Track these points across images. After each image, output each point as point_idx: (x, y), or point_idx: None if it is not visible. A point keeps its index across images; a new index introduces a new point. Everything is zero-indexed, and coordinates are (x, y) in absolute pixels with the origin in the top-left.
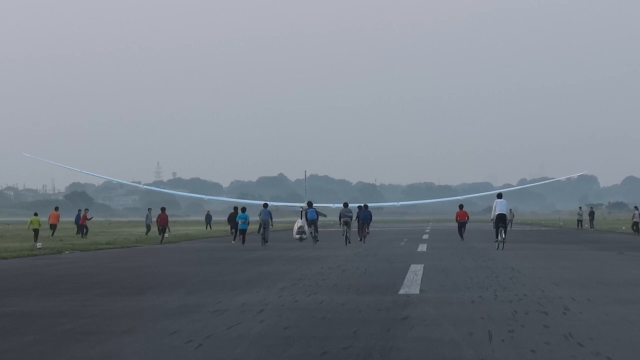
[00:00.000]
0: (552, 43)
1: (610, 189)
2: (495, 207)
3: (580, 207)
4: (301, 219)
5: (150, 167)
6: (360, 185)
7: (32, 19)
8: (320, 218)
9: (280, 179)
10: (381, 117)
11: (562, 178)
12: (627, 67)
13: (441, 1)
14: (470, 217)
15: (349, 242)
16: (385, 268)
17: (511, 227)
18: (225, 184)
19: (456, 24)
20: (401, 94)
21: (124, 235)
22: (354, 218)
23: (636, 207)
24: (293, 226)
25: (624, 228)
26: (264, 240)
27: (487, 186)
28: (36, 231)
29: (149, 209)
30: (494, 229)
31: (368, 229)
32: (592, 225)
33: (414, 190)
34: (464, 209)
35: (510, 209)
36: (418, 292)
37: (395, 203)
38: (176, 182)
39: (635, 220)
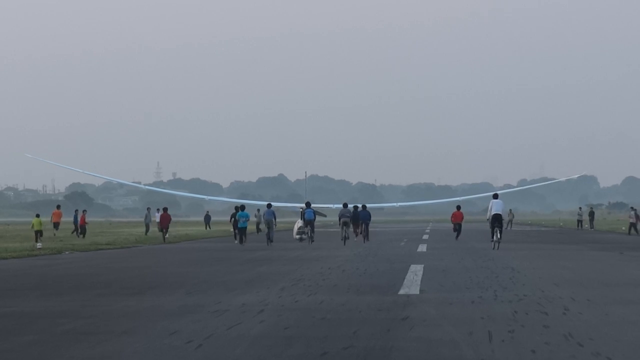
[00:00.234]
0: (552, 43)
1: (610, 189)
2: (491, 208)
3: (580, 208)
4: (301, 219)
5: (150, 167)
6: (360, 185)
7: (32, 19)
8: (320, 218)
9: (280, 179)
10: (381, 117)
11: (562, 179)
12: (627, 67)
13: (441, 1)
14: (470, 218)
15: (348, 238)
16: (385, 268)
17: (511, 227)
18: (225, 184)
19: (456, 24)
20: (401, 94)
21: (124, 235)
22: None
23: (632, 208)
24: (293, 226)
25: (623, 228)
26: (269, 240)
27: (487, 186)
28: (38, 232)
29: (148, 208)
30: (490, 229)
31: (367, 228)
32: (592, 226)
33: (413, 191)
34: (460, 210)
35: (511, 209)
36: (418, 293)
37: (395, 204)
38: (176, 183)
39: (631, 221)
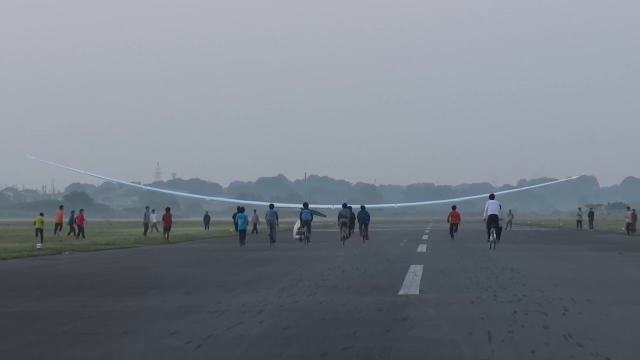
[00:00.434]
0: (552, 43)
1: (610, 189)
2: (487, 208)
3: (579, 208)
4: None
5: (150, 167)
6: (360, 185)
7: (32, 19)
8: (320, 218)
9: (280, 179)
10: (381, 117)
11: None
12: (627, 67)
13: (441, 1)
14: (470, 218)
15: (347, 238)
16: (385, 269)
17: (511, 227)
18: (224, 184)
19: (456, 24)
20: (401, 94)
21: (123, 235)
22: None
23: (628, 208)
24: (293, 227)
25: (623, 229)
26: (272, 240)
27: (486, 187)
28: (39, 231)
29: (147, 207)
30: (486, 230)
31: (367, 228)
32: (591, 226)
33: (413, 191)
34: (456, 210)
35: (510, 210)
36: (418, 293)
37: (394, 205)
38: (176, 183)
39: (627, 221)
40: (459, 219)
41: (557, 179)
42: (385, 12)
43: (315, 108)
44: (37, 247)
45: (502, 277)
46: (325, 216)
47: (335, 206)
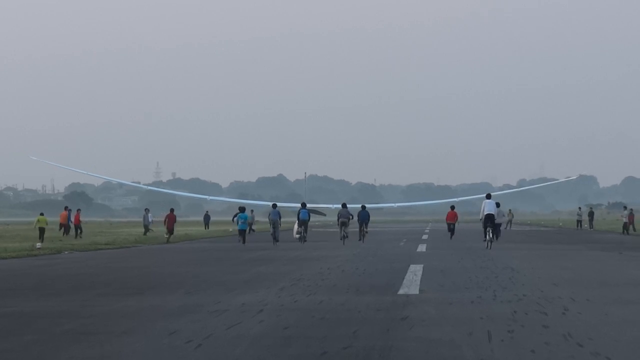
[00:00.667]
0: (552, 43)
1: (610, 189)
2: (483, 208)
3: (579, 208)
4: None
5: (149, 167)
6: (360, 185)
7: (32, 19)
8: (320, 218)
9: (280, 179)
10: (381, 117)
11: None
12: (627, 67)
13: (441, 1)
14: (469, 218)
15: (347, 237)
16: (385, 268)
17: (510, 227)
18: (224, 184)
19: (456, 24)
20: (401, 94)
21: (123, 235)
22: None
23: (625, 207)
24: (293, 226)
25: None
26: (275, 239)
27: (486, 186)
28: (42, 230)
29: (146, 210)
30: (482, 229)
31: (367, 228)
32: (591, 226)
33: (413, 191)
34: (454, 210)
35: (510, 209)
36: (417, 293)
37: (393, 204)
38: (175, 183)
39: (624, 220)
40: (456, 219)
41: (556, 179)
42: (385, 12)
43: (315, 108)
44: (37, 246)
45: (502, 277)
46: (325, 215)
47: (335, 206)
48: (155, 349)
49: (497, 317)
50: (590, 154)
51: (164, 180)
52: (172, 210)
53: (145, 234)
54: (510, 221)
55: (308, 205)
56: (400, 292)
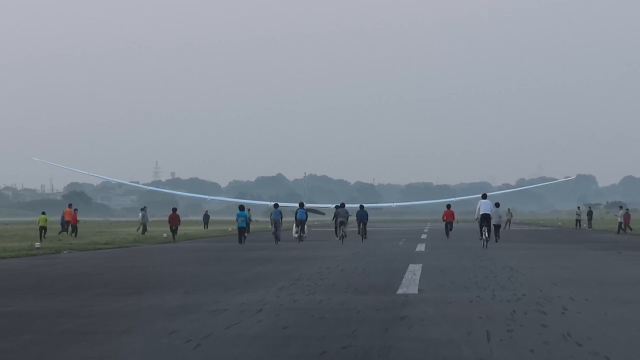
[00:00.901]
0: (552, 43)
1: (609, 188)
2: (479, 208)
3: (578, 207)
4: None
5: (148, 167)
6: (359, 185)
7: (32, 19)
8: (319, 217)
9: (279, 179)
10: (380, 117)
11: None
12: (627, 67)
13: (441, 1)
14: (469, 217)
15: (345, 236)
16: (384, 268)
17: (509, 227)
18: (223, 184)
19: (456, 24)
20: (401, 94)
21: (122, 235)
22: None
23: (621, 207)
24: (292, 226)
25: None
26: (277, 238)
27: (485, 186)
28: (43, 229)
29: (145, 208)
30: (479, 229)
31: (365, 227)
32: (590, 225)
33: (412, 190)
34: (451, 209)
35: (509, 209)
36: (416, 292)
37: (392, 204)
38: (175, 182)
39: (619, 220)
40: (453, 218)
41: (555, 178)
42: (385, 12)
43: (315, 108)
44: (36, 246)
45: (501, 277)
46: (324, 214)
47: (335, 205)
48: (154, 348)
49: (496, 316)
50: (589, 153)
51: (163, 180)
52: (174, 209)
53: (143, 233)
54: (509, 221)
55: (307, 205)
56: (399, 291)
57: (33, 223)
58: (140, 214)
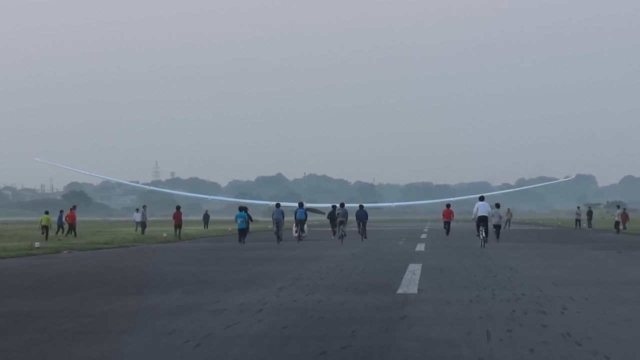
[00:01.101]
0: (552, 43)
1: (609, 188)
2: (477, 209)
3: (578, 207)
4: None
5: (148, 166)
6: (359, 184)
7: (32, 19)
8: (319, 217)
9: (279, 178)
10: (380, 117)
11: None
12: (627, 67)
13: (441, 1)
14: (468, 217)
15: (345, 236)
16: (384, 267)
17: (509, 226)
18: (223, 183)
19: (456, 24)
20: (400, 94)
21: (122, 234)
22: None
23: (618, 207)
24: (292, 226)
25: (626, 227)
26: (279, 238)
27: (485, 186)
28: (45, 228)
29: (144, 207)
30: (476, 229)
31: (365, 227)
32: (590, 225)
33: (412, 190)
34: (450, 208)
35: (509, 209)
36: (416, 292)
37: (391, 204)
38: (174, 182)
39: (616, 219)
40: (452, 217)
41: (555, 178)
42: (385, 12)
43: (315, 108)
44: (36, 245)
45: (501, 276)
46: (324, 214)
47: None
48: (154, 348)
49: (496, 316)
50: (589, 153)
51: (163, 179)
52: (178, 207)
53: (143, 232)
54: (509, 220)
55: (306, 205)
56: (399, 291)
57: (33, 223)
58: (135, 214)
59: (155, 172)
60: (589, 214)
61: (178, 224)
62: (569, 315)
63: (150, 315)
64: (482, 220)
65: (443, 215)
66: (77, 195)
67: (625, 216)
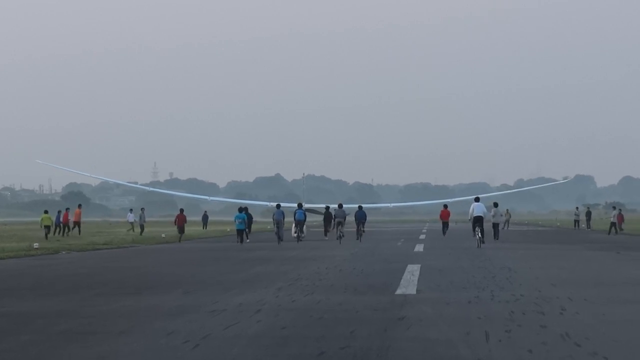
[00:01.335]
0: (552, 43)
1: (607, 189)
2: (472, 210)
3: (577, 208)
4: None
5: (147, 167)
6: (357, 185)
7: (32, 19)
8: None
9: (277, 179)
10: (380, 117)
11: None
12: (627, 67)
13: (441, 1)
14: (467, 218)
15: (343, 236)
16: (382, 268)
17: (508, 227)
18: (222, 184)
19: (456, 24)
20: (400, 94)
21: (120, 235)
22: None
23: (614, 207)
24: (291, 226)
25: (622, 229)
26: (280, 238)
27: (484, 186)
28: (47, 228)
29: (142, 209)
30: (472, 229)
31: (363, 228)
32: (588, 226)
33: (410, 191)
34: (447, 209)
35: (508, 209)
36: (415, 292)
37: (389, 204)
38: (173, 183)
39: (612, 220)
40: (448, 217)
41: (554, 178)
42: (385, 12)
43: (314, 108)
44: (35, 246)
45: (500, 277)
46: (323, 214)
47: (333, 206)
48: (152, 348)
49: (495, 317)
50: (587, 153)
51: (162, 180)
52: (181, 210)
53: (141, 233)
54: (507, 221)
55: (306, 205)
56: (398, 292)
57: (31, 223)
58: (128, 215)
59: (154, 173)
60: (588, 214)
61: (181, 226)
62: (568, 316)
63: (149, 315)
64: (478, 221)
65: (441, 215)
66: (75, 196)
67: (620, 217)
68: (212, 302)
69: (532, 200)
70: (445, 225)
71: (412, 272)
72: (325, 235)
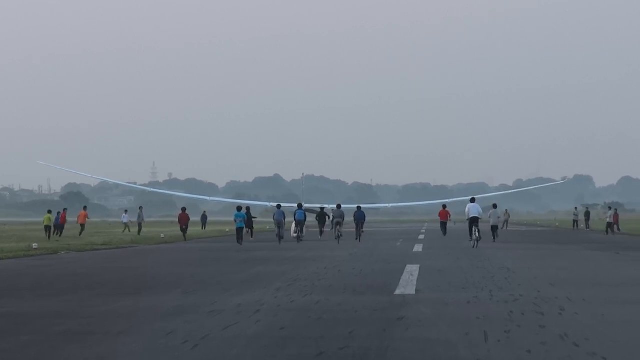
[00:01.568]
0: (552, 43)
1: (606, 189)
2: (468, 211)
3: (576, 208)
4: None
5: (146, 167)
6: (356, 185)
7: (32, 19)
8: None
9: (276, 179)
10: (379, 118)
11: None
12: (627, 67)
13: (441, 1)
14: (465, 218)
15: (341, 236)
16: (381, 268)
17: (507, 227)
18: (221, 184)
19: (456, 24)
20: (400, 94)
21: (119, 235)
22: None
23: (610, 208)
24: (291, 226)
25: (620, 229)
26: (281, 238)
27: (483, 186)
28: (48, 227)
29: (141, 208)
30: (469, 230)
31: (362, 228)
32: (587, 226)
33: (409, 191)
34: (446, 209)
35: (506, 210)
36: (414, 293)
37: (387, 205)
38: (172, 183)
39: (608, 220)
40: (447, 217)
41: (553, 179)
42: (385, 12)
43: (313, 108)
44: (34, 246)
45: (499, 277)
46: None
47: (331, 206)
48: (151, 349)
49: (494, 317)
50: (586, 154)
51: (161, 180)
52: (184, 209)
53: (139, 233)
54: (506, 221)
55: (305, 206)
56: (397, 292)
57: (31, 224)
58: (123, 216)
59: (153, 173)
60: (587, 214)
61: (184, 225)
62: (567, 316)
63: (148, 316)
64: (474, 221)
65: (440, 215)
66: (74, 196)
67: (616, 217)
68: (211, 303)
69: (531, 201)
70: (444, 225)
71: (411, 273)
72: (320, 235)
